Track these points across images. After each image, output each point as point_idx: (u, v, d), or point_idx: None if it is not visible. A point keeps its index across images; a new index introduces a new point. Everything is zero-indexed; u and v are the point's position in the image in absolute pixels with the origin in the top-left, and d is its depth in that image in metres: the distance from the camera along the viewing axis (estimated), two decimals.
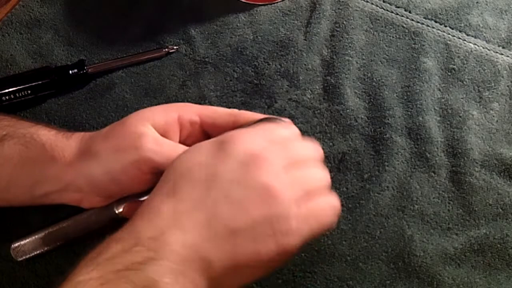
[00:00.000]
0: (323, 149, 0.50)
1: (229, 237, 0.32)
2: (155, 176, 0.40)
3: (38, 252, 0.44)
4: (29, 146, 0.41)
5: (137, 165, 0.39)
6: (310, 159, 0.38)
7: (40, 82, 0.51)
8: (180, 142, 0.42)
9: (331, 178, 0.49)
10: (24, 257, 0.44)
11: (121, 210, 0.43)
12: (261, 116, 0.42)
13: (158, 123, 0.41)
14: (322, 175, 0.37)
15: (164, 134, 0.41)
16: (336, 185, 0.49)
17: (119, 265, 0.30)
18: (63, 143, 0.41)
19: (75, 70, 0.53)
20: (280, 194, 0.33)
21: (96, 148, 0.41)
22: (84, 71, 0.53)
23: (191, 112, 0.43)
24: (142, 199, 0.42)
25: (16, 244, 0.44)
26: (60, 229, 0.44)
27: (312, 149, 0.39)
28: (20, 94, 0.51)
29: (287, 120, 0.41)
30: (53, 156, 0.40)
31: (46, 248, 0.44)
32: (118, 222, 0.42)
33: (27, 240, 0.44)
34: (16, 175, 0.41)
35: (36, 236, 0.44)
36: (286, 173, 0.34)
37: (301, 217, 0.34)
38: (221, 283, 0.33)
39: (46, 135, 0.42)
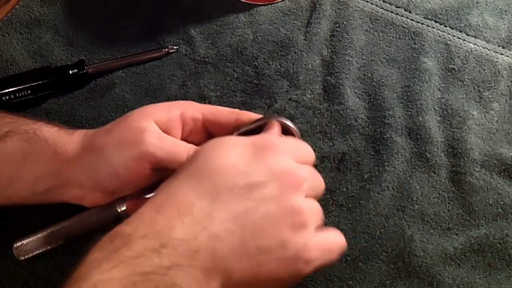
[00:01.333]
0: (323, 149, 0.50)
1: (257, 253, 0.32)
2: (156, 172, 0.40)
3: (40, 251, 0.44)
4: (32, 142, 0.41)
5: (139, 160, 0.39)
6: (320, 191, 0.39)
7: (40, 82, 0.51)
8: (182, 139, 0.43)
9: (331, 178, 0.49)
10: (26, 256, 0.44)
11: (123, 208, 0.43)
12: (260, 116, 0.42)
13: (161, 120, 0.41)
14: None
15: (166, 131, 0.41)
16: (336, 185, 0.49)
17: (145, 267, 0.29)
18: (65, 139, 0.41)
19: (75, 70, 0.53)
20: (309, 222, 0.35)
21: (98, 143, 0.41)
22: (84, 71, 0.53)
23: (194, 109, 0.43)
24: (147, 196, 0.42)
25: (19, 244, 0.44)
26: (62, 228, 0.44)
27: (322, 182, 0.40)
28: (20, 94, 0.51)
29: (287, 121, 0.41)
30: (55, 152, 0.41)
31: (48, 247, 0.44)
32: (121, 220, 0.42)
33: (30, 239, 0.44)
34: (19, 171, 0.41)
35: (39, 235, 0.44)
36: (309, 201, 0.36)
37: (319, 248, 0.35)
38: None
39: (49, 131, 0.42)
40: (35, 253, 0.44)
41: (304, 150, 0.39)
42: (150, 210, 0.33)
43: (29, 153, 0.41)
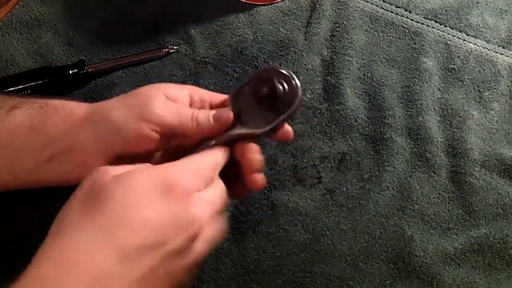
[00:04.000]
0: (323, 149, 0.50)
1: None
2: (162, 137, 0.40)
3: None
4: (40, 110, 0.41)
5: (146, 121, 0.39)
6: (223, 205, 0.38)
7: (40, 82, 0.51)
8: None
9: (331, 178, 0.49)
10: None
11: None
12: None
13: (170, 93, 0.42)
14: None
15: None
16: (336, 185, 0.49)
17: None
18: (74, 104, 0.42)
19: (75, 70, 0.53)
20: (201, 255, 0.36)
21: (106, 105, 0.41)
22: (84, 71, 0.53)
23: (202, 91, 0.44)
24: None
25: None
26: None
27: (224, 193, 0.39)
28: (20, 94, 0.51)
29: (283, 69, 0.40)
30: (64, 115, 0.41)
31: None
32: None
33: None
34: (27, 140, 0.41)
35: None
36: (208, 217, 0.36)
37: (199, 260, 0.36)
38: None
39: (59, 100, 0.43)
40: None
41: (197, 176, 0.37)
42: (52, 268, 0.31)
43: (38, 120, 0.41)
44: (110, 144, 0.41)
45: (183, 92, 0.43)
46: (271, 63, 0.54)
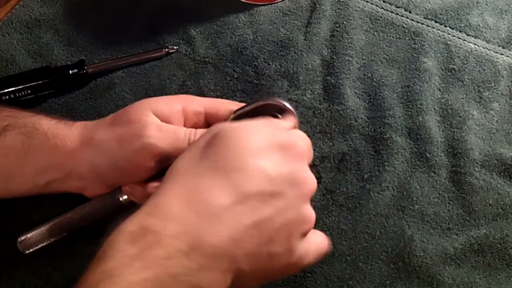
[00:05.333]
0: (323, 149, 0.50)
1: (268, 258, 0.33)
2: (159, 164, 0.40)
3: (44, 243, 0.44)
4: (31, 135, 0.41)
5: (141, 153, 0.39)
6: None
7: (40, 82, 0.51)
8: None
9: (331, 178, 0.49)
10: (31, 250, 0.44)
11: (125, 197, 0.43)
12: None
13: (162, 113, 0.41)
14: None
15: (167, 123, 0.41)
16: (336, 185, 0.49)
17: (175, 269, 0.29)
18: (65, 131, 0.41)
19: (75, 70, 0.53)
20: (312, 228, 0.36)
21: (99, 136, 0.41)
22: (84, 71, 0.53)
23: (195, 103, 0.43)
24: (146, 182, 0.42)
25: (23, 237, 0.44)
26: (65, 220, 0.44)
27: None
28: (20, 94, 0.51)
29: (282, 101, 0.41)
30: (55, 144, 0.41)
31: (52, 240, 0.44)
32: (123, 209, 0.42)
33: (33, 233, 0.44)
34: (20, 165, 0.41)
35: (42, 228, 0.44)
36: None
37: (315, 254, 0.36)
38: (236, 285, 0.33)
39: (48, 124, 0.42)
40: (39, 246, 0.44)
41: (310, 148, 0.39)
42: (178, 203, 0.32)
43: (29, 146, 0.41)
44: (106, 177, 0.41)
45: (175, 108, 0.42)
46: (271, 64, 0.54)
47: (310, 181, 0.35)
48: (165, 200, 0.32)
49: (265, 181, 0.33)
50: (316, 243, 0.37)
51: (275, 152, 0.34)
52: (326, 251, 0.38)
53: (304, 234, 0.35)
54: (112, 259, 0.29)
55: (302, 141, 0.37)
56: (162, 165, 0.41)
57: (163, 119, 0.41)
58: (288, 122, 0.39)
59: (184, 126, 0.43)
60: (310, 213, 0.35)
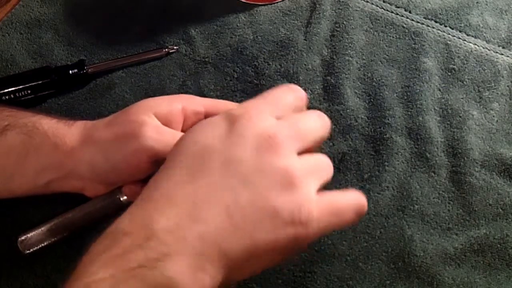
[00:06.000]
0: (323, 149, 0.50)
1: (248, 227, 0.30)
2: (155, 165, 0.40)
3: (44, 243, 0.44)
4: (31, 135, 0.41)
5: (137, 154, 0.39)
6: (318, 138, 0.35)
7: (40, 82, 0.51)
8: (183, 132, 0.42)
9: (331, 178, 0.49)
10: (31, 250, 0.44)
11: (125, 197, 0.43)
12: None
13: (161, 113, 0.41)
14: (329, 161, 0.35)
15: (167, 124, 0.41)
16: (336, 185, 0.49)
17: (132, 263, 0.28)
18: (65, 130, 0.41)
19: (75, 70, 0.53)
20: (301, 180, 0.31)
21: (97, 136, 0.41)
22: (84, 71, 0.53)
23: (195, 103, 0.43)
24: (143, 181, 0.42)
25: (23, 237, 0.44)
26: (65, 220, 0.44)
27: (319, 124, 0.36)
28: (20, 94, 0.51)
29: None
30: (55, 144, 0.41)
31: (52, 240, 0.44)
32: (123, 210, 0.42)
33: (33, 233, 0.44)
34: (20, 165, 0.41)
35: (42, 228, 0.44)
36: (301, 159, 0.33)
37: (322, 209, 0.32)
38: (234, 272, 0.31)
39: (48, 123, 0.42)
40: (39, 246, 0.44)
41: (285, 98, 0.36)
42: (136, 206, 0.32)
43: (29, 146, 0.41)
44: (104, 177, 0.41)
45: (175, 108, 0.42)
46: (271, 64, 0.54)
47: (271, 134, 0.32)
48: (132, 205, 0.32)
49: (214, 154, 0.31)
50: (325, 197, 0.32)
51: (221, 126, 0.33)
52: (354, 207, 0.34)
53: (286, 189, 0.31)
54: (78, 266, 0.29)
55: (254, 103, 0.35)
56: (157, 167, 0.41)
57: (163, 119, 0.41)
58: None
59: (183, 125, 0.43)
60: (283, 165, 0.31)
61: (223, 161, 0.31)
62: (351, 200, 0.34)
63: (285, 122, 0.33)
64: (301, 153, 0.33)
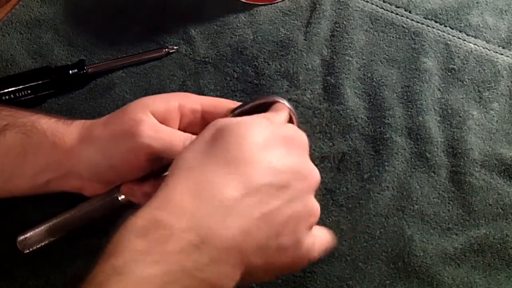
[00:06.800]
0: (323, 149, 0.50)
1: (276, 250, 0.33)
2: (152, 162, 0.40)
3: (44, 243, 0.44)
4: (30, 134, 0.41)
5: (135, 152, 0.39)
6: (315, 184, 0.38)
7: (40, 82, 0.51)
8: (180, 130, 0.42)
9: (331, 178, 0.49)
10: (31, 249, 0.44)
11: (123, 196, 0.43)
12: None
13: (158, 110, 0.41)
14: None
15: (164, 122, 0.41)
16: (336, 185, 0.49)
17: (186, 263, 0.29)
18: (63, 129, 0.42)
19: (75, 70, 0.53)
20: (316, 222, 0.36)
21: (95, 134, 0.41)
22: (84, 71, 0.53)
23: (193, 101, 0.43)
24: (142, 181, 0.42)
25: (23, 237, 0.44)
26: (64, 219, 0.44)
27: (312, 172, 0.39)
28: (20, 94, 0.51)
29: (281, 100, 0.41)
30: (54, 143, 0.41)
31: (52, 239, 0.44)
32: (122, 209, 0.42)
33: (33, 232, 0.44)
34: (19, 165, 0.41)
35: (42, 228, 0.44)
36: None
37: (321, 248, 0.37)
38: (246, 280, 0.33)
39: (47, 122, 0.42)
40: (39, 245, 0.44)
41: (307, 141, 0.39)
42: (188, 196, 0.32)
43: (28, 146, 0.41)
44: (103, 176, 0.41)
45: (172, 105, 0.42)
46: (271, 64, 0.54)
47: (314, 173, 0.36)
48: (174, 193, 0.32)
49: (273, 173, 0.33)
50: (322, 237, 0.37)
51: (279, 145, 0.35)
52: (331, 246, 0.38)
53: (310, 227, 0.35)
54: (121, 254, 0.29)
55: (301, 134, 0.37)
56: (155, 165, 0.41)
57: (160, 117, 0.41)
58: (280, 116, 0.40)
59: (180, 123, 0.43)
60: (315, 205, 0.35)
61: (278, 182, 0.34)
62: (331, 238, 0.38)
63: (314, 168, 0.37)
64: None
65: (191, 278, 0.29)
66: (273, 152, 0.34)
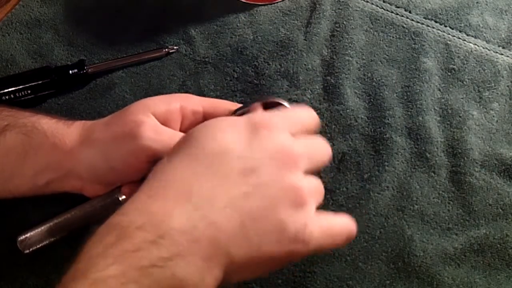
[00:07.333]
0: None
1: (257, 237, 0.31)
2: (152, 165, 0.40)
3: (44, 243, 0.44)
4: (31, 135, 0.41)
5: (136, 154, 0.39)
6: (322, 163, 0.37)
7: (40, 82, 0.51)
8: (182, 131, 0.42)
9: (331, 178, 0.49)
10: (31, 249, 0.44)
11: (124, 197, 0.43)
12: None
13: (159, 112, 0.41)
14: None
15: (164, 123, 0.41)
16: (336, 185, 0.49)
17: (143, 260, 0.28)
18: (64, 130, 0.42)
19: (75, 70, 0.53)
20: (308, 200, 0.33)
21: (96, 136, 0.41)
22: (84, 71, 0.53)
23: (194, 102, 0.43)
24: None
25: (23, 237, 0.44)
26: (65, 220, 0.44)
27: (325, 149, 0.37)
28: (20, 94, 0.51)
29: (281, 100, 0.41)
30: (54, 143, 0.41)
31: (52, 239, 0.44)
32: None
33: (33, 232, 0.44)
34: (19, 165, 0.41)
35: (42, 228, 0.44)
36: (307, 179, 0.34)
37: (321, 231, 0.34)
38: (232, 275, 0.32)
39: (47, 123, 0.42)
40: (39, 245, 0.44)
41: (301, 118, 0.37)
42: (146, 197, 0.32)
43: (29, 146, 0.41)
44: (103, 177, 0.41)
45: (173, 107, 0.42)
46: (271, 64, 0.54)
47: (288, 150, 0.34)
48: (138, 196, 0.32)
49: (235, 159, 0.32)
50: (324, 220, 0.34)
51: (243, 131, 0.34)
52: (347, 233, 0.35)
53: (296, 206, 0.32)
54: (81, 259, 0.29)
55: (269, 117, 0.36)
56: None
57: (161, 118, 0.41)
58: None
59: (182, 125, 0.43)
60: (297, 182, 0.33)
61: (242, 168, 0.32)
62: (345, 225, 0.36)
63: (301, 141, 0.35)
64: (306, 173, 0.35)
65: (151, 276, 0.28)
66: (235, 140, 0.33)
